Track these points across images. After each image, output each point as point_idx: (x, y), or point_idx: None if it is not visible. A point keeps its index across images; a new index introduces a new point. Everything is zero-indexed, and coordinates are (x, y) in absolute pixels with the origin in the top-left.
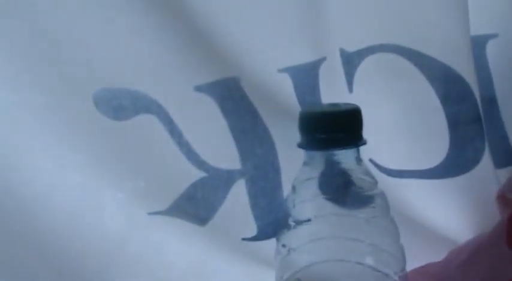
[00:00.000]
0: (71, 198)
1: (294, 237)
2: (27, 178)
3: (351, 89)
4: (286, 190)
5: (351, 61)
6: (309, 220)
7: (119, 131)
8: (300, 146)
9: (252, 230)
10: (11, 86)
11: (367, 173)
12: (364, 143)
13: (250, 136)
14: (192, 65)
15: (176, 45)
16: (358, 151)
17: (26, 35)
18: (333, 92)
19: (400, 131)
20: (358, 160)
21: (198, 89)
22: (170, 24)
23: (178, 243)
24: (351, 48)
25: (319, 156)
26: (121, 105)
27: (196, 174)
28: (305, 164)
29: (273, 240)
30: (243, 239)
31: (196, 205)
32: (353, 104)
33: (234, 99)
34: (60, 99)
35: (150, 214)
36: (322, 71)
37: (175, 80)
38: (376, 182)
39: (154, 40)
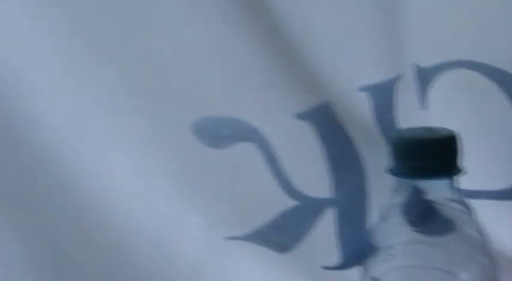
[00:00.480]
0: (154, 222)
1: (380, 266)
2: (115, 203)
3: (423, 106)
4: (373, 217)
5: (424, 77)
6: (395, 248)
7: (213, 159)
8: (391, 172)
9: (334, 259)
10: (109, 112)
11: (460, 200)
12: (461, 173)
13: (344, 163)
14: (289, 92)
15: (274, 72)
16: (452, 180)
17: (128, 61)
18: (407, 110)
19: (477, 150)
20: (452, 188)
21: (298, 116)
22: (268, 52)
23: (256, 270)
24: (425, 63)
25: (410, 183)
26: (221, 133)
27: (287, 202)
28: (394, 190)
29: (356, 269)
30: (325, 267)
31: (281, 233)
32: (449, 130)
33: (329, 124)
34: (157, 126)
35: (228, 238)
36: (398, 88)
37: (274, 108)
38: (469, 210)
39: (253, 68)
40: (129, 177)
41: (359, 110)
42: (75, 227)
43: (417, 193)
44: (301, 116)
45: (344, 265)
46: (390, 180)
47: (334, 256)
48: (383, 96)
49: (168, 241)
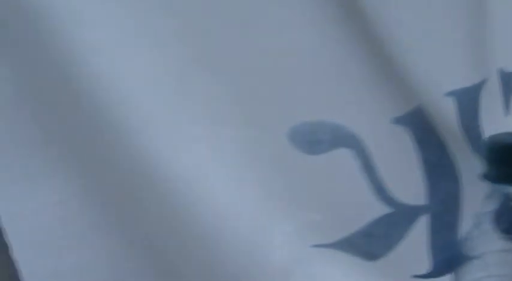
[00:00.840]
0: (244, 229)
1: (472, 275)
2: (207, 208)
3: (507, 112)
4: (465, 224)
5: (509, 82)
6: (488, 257)
7: (307, 165)
8: (485, 178)
9: (425, 267)
10: (198, 120)
11: None
12: None
13: (438, 169)
14: (386, 96)
15: (371, 76)
16: None
17: (230, 68)
18: (491, 115)
19: None
20: None
21: (395, 121)
22: (365, 57)
23: (344, 278)
24: (510, 68)
25: (503, 190)
26: (318, 139)
27: (380, 210)
28: (487, 197)
29: (447, 277)
30: (416, 276)
31: (371, 241)
32: None
33: (424, 129)
34: (252, 132)
35: (315, 246)
36: (483, 93)
37: (372, 112)
38: None
39: (351, 73)
40: (221, 183)
41: (448, 115)
42: (166, 231)
43: (510, 200)
44: (398, 120)
45: (435, 274)
46: (483, 187)
47: (425, 264)
48: (469, 101)
49: (257, 249)
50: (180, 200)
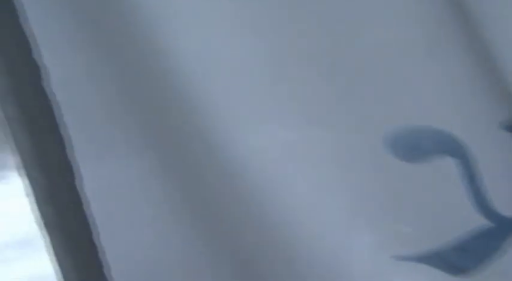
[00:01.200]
0: (326, 238)
1: None
2: (292, 216)
3: None
4: None
5: None
6: None
7: (402, 173)
8: None
9: None
10: (293, 124)
11: None
12: None
13: None
14: (495, 102)
15: (478, 81)
16: None
17: (328, 66)
18: None
19: None
20: None
21: (504, 127)
22: (473, 58)
23: None
24: None
25: None
26: (421, 146)
27: (478, 223)
28: None
29: None
30: None
31: (463, 255)
32: None
33: None
34: (347, 135)
35: (397, 258)
36: None
37: (479, 118)
38: None
39: (456, 76)
40: (309, 186)
41: None
42: (247, 229)
43: None
44: (507, 126)
45: None
46: None
47: None
48: None
49: (337, 258)
50: (265, 201)
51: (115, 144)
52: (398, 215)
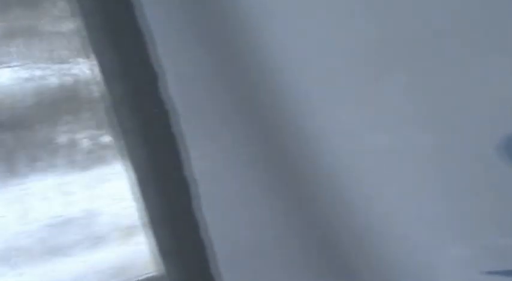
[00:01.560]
0: (414, 250)
1: None
2: (381, 221)
3: None
4: None
5: None
6: None
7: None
8: None
9: None
10: (388, 126)
11: None
12: None
13: None
14: None
15: None
16: None
17: (432, 75)
18: None
19: None
20: None
21: None
22: None
23: None
24: None
25: None
26: None
27: None
28: None
29: None
30: None
31: None
32: None
33: None
34: (452, 140)
35: (487, 273)
36: None
37: None
38: None
39: None
40: (404, 192)
41: None
42: (340, 228)
43: None
44: None
45: None
46: None
47: None
48: None
49: (424, 269)
50: (356, 202)
51: (221, 138)
52: (500, 227)
